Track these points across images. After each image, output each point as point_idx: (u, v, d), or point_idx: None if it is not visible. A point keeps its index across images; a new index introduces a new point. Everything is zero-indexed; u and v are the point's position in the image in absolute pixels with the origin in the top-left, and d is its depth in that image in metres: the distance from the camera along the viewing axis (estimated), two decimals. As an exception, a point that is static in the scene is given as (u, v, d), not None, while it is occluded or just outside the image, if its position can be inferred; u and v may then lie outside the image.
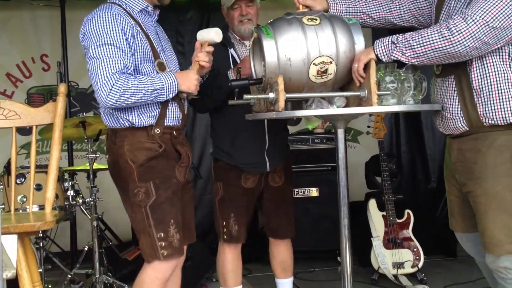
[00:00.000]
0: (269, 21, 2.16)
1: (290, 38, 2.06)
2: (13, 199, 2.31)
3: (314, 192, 4.20)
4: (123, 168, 2.19)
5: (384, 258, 3.64)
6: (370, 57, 2.05)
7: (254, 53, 2.29)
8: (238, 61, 2.67)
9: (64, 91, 2.23)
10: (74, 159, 4.64)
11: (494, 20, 1.91)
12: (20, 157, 4.52)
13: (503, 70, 2.04)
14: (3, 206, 3.17)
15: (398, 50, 2.03)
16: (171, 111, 2.25)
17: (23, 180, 3.17)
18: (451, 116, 2.15)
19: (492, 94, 2.05)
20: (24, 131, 4.57)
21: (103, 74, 2.07)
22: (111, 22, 2.11)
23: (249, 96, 2.16)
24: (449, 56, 1.99)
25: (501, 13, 1.91)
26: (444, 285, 3.61)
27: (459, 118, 2.12)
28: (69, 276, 3.59)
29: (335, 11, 2.35)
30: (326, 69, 2.09)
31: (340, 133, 2.24)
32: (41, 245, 3.30)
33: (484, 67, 2.06)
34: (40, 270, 3.14)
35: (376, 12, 2.39)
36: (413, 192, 5.08)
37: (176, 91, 2.19)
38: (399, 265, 3.63)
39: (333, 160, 2.36)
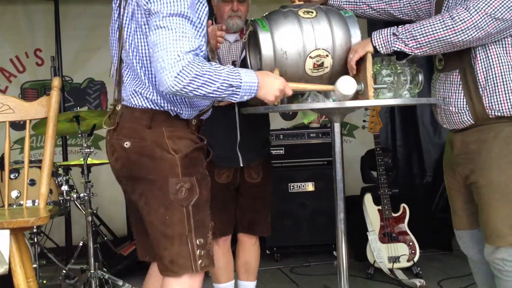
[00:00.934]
0: (264, 14, 2.15)
1: (286, 31, 2.05)
2: (7, 194, 2.29)
3: (309, 186, 4.20)
4: (160, 158, 1.79)
5: (379, 252, 3.64)
6: (367, 50, 2.04)
7: (250, 46, 2.27)
8: (223, 51, 2.62)
9: (58, 85, 2.21)
10: (69, 154, 4.62)
11: (495, 11, 1.92)
12: (14, 152, 4.49)
13: (507, 61, 2.06)
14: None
15: (400, 41, 2.02)
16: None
17: (16, 175, 3.15)
18: (456, 110, 2.14)
19: (498, 86, 2.06)
20: (17, 126, 4.55)
21: (174, 50, 1.65)
22: None
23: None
24: (452, 45, 2.00)
25: (503, 5, 1.93)
26: (439, 279, 3.62)
27: (465, 111, 2.12)
28: (64, 271, 3.57)
29: (334, 1, 2.33)
30: (322, 63, 2.08)
31: (337, 127, 2.23)
32: (35, 240, 3.28)
33: (489, 60, 2.06)
34: (35, 265, 3.12)
35: (376, 3, 2.38)
36: (409, 186, 5.10)
37: (252, 95, 1.80)
38: (394, 259, 3.63)
39: (329, 155, 2.35)
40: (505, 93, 2.05)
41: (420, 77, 2.18)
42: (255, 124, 2.69)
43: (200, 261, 1.80)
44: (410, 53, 2.03)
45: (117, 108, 1.87)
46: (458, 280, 3.55)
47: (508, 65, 2.06)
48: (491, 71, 2.06)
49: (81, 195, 3.27)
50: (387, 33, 2.05)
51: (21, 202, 3.01)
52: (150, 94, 1.81)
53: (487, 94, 2.07)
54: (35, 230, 3.29)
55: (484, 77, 2.07)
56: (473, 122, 2.12)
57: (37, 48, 4.82)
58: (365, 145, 4.62)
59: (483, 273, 2.35)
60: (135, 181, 1.84)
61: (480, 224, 2.16)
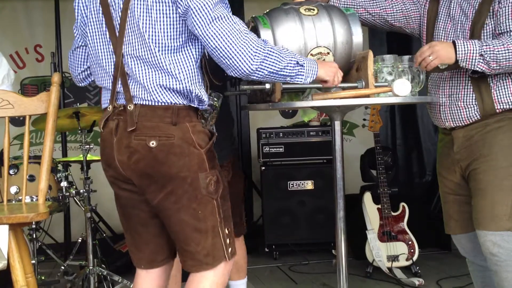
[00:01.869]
0: (265, 11, 2.14)
1: (287, 28, 2.04)
2: (6, 190, 2.28)
3: (309, 185, 4.20)
4: (188, 154, 1.77)
5: (378, 251, 3.64)
6: (450, 62, 2.09)
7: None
8: None
9: (58, 81, 2.20)
10: (68, 150, 4.62)
11: None
12: (14, 148, 4.49)
13: None
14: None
15: (485, 63, 2.06)
16: None
17: (16, 170, 3.14)
18: (464, 105, 2.19)
19: (506, 81, 2.13)
20: (17, 122, 4.54)
21: (240, 35, 1.70)
22: None
23: (245, 87, 2.13)
24: None
25: None
26: (438, 278, 3.62)
27: (473, 106, 2.17)
28: (63, 267, 3.57)
29: (334, 2, 2.36)
30: (323, 60, 2.08)
31: (337, 125, 2.22)
32: (34, 236, 3.28)
33: None
34: (33, 261, 3.11)
35: (372, 8, 2.41)
36: (408, 185, 5.10)
37: (315, 76, 1.84)
38: (393, 258, 3.63)
39: (329, 153, 2.36)
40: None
41: (422, 76, 2.18)
42: (223, 123, 2.62)
43: (230, 249, 1.85)
44: (488, 73, 2.09)
45: (128, 108, 1.78)
46: (456, 279, 3.55)
47: None
48: None
49: (80, 191, 3.27)
50: (473, 50, 2.06)
51: (20, 198, 3.01)
52: (179, 85, 1.76)
53: (497, 88, 2.13)
54: (34, 226, 3.28)
55: (495, 74, 2.12)
56: (479, 118, 2.16)
57: (37, 44, 4.81)
58: (365, 144, 4.61)
59: (480, 276, 2.35)
60: (161, 181, 1.77)
61: (473, 210, 2.17)
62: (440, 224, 4.25)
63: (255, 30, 2.10)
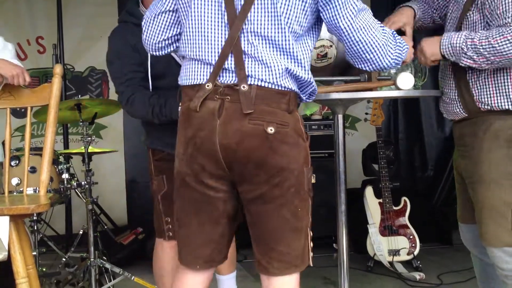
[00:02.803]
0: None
1: (290, 20, 2.02)
2: (7, 181, 2.28)
3: (310, 178, 4.19)
4: (298, 146, 1.66)
5: (380, 245, 3.64)
6: (436, 58, 2.05)
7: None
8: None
9: (59, 72, 2.19)
10: (69, 142, 4.62)
11: None
12: (15, 140, 4.48)
13: None
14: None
15: (468, 58, 1.98)
16: None
17: (17, 162, 3.14)
18: (449, 101, 2.14)
19: (488, 80, 2.04)
20: (19, 114, 4.54)
21: (380, 28, 1.70)
22: None
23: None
24: None
25: None
26: (439, 272, 3.62)
27: (456, 103, 2.11)
28: (64, 259, 3.58)
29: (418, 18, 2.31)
30: (326, 53, 2.07)
31: (339, 118, 2.22)
32: (35, 228, 3.28)
33: None
34: (35, 253, 3.12)
35: (435, 13, 2.35)
36: (410, 179, 5.10)
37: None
38: (394, 252, 3.63)
39: (330, 147, 2.35)
40: (495, 88, 2.03)
41: (424, 70, 2.17)
42: None
43: (311, 253, 1.74)
44: (478, 67, 2.00)
45: (242, 88, 1.61)
46: (458, 274, 3.55)
47: None
48: None
49: (82, 183, 3.27)
50: (456, 43, 2.00)
51: (22, 189, 3.01)
52: (304, 74, 1.67)
53: (477, 87, 2.05)
54: (35, 218, 3.29)
55: (476, 70, 2.05)
56: (466, 115, 2.10)
57: (39, 35, 4.81)
58: (367, 138, 4.60)
59: (483, 270, 2.35)
60: (270, 172, 1.63)
61: (477, 222, 2.13)
62: (442, 218, 4.27)
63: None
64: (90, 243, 3.14)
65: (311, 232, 1.74)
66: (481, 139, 2.06)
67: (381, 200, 3.71)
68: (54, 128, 2.18)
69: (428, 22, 2.37)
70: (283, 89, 1.64)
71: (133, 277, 3.13)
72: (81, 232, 3.64)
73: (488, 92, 2.03)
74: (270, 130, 1.61)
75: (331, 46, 2.06)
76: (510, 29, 1.90)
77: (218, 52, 1.64)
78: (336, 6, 1.63)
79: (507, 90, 2.01)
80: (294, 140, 1.65)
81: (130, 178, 4.85)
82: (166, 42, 1.82)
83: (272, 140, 1.61)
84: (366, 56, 1.68)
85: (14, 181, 3.05)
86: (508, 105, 2.01)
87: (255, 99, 1.61)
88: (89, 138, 3.22)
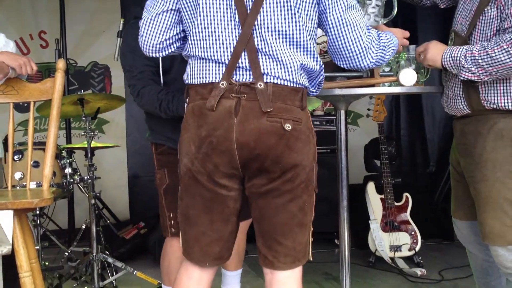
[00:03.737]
0: None
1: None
2: (10, 176, 2.29)
3: (312, 174, 4.19)
4: (309, 142, 1.69)
5: (381, 241, 3.64)
6: (436, 66, 2.06)
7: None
8: None
9: (62, 67, 2.20)
10: (72, 137, 4.62)
11: None
12: (18, 134, 4.50)
13: None
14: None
15: (467, 71, 1.98)
16: None
17: (20, 156, 3.15)
18: (453, 96, 2.13)
19: (497, 80, 2.02)
20: (21, 108, 4.54)
21: (366, 30, 1.73)
22: None
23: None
24: None
25: None
26: (440, 268, 3.62)
27: (461, 99, 2.10)
28: (66, 253, 3.60)
29: None
30: (329, 49, 2.07)
31: (342, 114, 2.22)
32: (38, 222, 3.29)
33: None
34: (37, 247, 3.13)
35: None
36: (412, 175, 5.10)
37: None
38: (396, 248, 3.64)
39: (332, 143, 2.35)
40: (503, 87, 2.02)
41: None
42: None
43: (310, 248, 1.77)
44: (478, 80, 1.99)
45: (259, 86, 1.61)
46: (459, 270, 3.55)
47: None
48: None
49: (84, 178, 3.28)
50: (456, 56, 2.00)
51: (25, 184, 3.02)
52: (317, 66, 1.70)
53: (485, 85, 2.03)
54: (38, 212, 3.30)
55: None
56: (469, 111, 2.09)
57: (41, 30, 4.81)
58: (369, 133, 4.60)
59: (479, 265, 2.35)
60: (284, 167, 1.65)
61: (478, 221, 2.12)
62: (443, 214, 4.27)
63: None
64: (92, 238, 3.15)
65: (312, 228, 1.77)
66: (485, 137, 2.05)
67: (383, 196, 3.71)
68: (57, 122, 2.19)
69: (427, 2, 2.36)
70: (297, 86, 1.65)
71: (135, 271, 3.14)
72: (83, 227, 3.65)
73: (496, 91, 2.02)
74: (288, 127, 1.62)
75: (334, 42, 2.06)
76: (506, 38, 1.89)
77: (230, 51, 1.64)
78: None
79: None
80: (306, 137, 1.67)
81: (133, 173, 4.86)
82: (167, 42, 1.80)
83: (289, 137, 1.63)
84: (345, 54, 1.70)
85: (17, 175, 3.06)
86: None
87: (272, 97, 1.62)
88: (92, 133, 3.23)
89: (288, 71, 1.63)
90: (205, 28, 1.66)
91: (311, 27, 1.67)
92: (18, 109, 4.48)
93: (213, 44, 1.66)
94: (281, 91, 1.63)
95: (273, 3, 1.61)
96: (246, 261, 3.89)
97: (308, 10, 1.64)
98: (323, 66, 1.72)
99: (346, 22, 1.67)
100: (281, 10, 1.62)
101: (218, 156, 1.65)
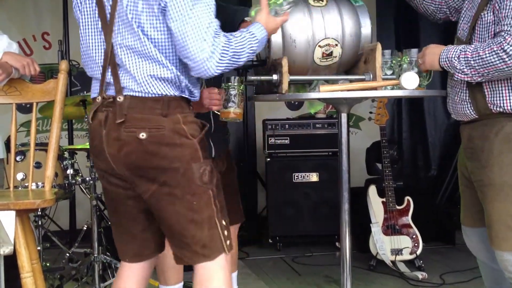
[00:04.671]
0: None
1: (296, 19, 2.03)
2: (13, 176, 2.30)
3: (314, 177, 4.20)
4: (180, 145, 1.76)
5: (382, 244, 3.64)
6: (434, 68, 2.07)
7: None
8: None
9: (65, 68, 2.21)
10: (74, 138, 4.63)
11: None
12: (20, 135, 4.50)
13: None
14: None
15: (459, 72, 2.01)
16: None
17: (22, 157, 3.15)
18: (459, 101, 2.13)
19: (502, 81, 2.03)
20: (24, 109, 4.55)
21: (206, 36, 1.71)
22: None
23: (252, 78, 2.13)
24: (510, 74, 1.99)
25: None
26: (441, 272, 3.62)
27: (467, 103, 2.10)
28: (68, 254, 3.59)
29: None
30: (331, 52, 2.07)
31: (343, 117, 2.22)
32: (39, 223, 3.29)
33: None
34: (39, 248, 3.14)
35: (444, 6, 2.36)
36: (414, 179, 5.09)
37: (265, 39, 1.85)
38: (397, 252, 3.63)
39: (334, 146, 2.36)
40: (509, 90, 2.02)
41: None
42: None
43: (228, 241, 1.82)
44: (471, 80, 2.02)
45: (118, 99, 1.75)
46: (460, 274, 3.55)
47: None
48: None
49: (86, 179, 3.28)
50: (451, 57, 2.02)
51: (27, 185, 3.02)
52: (169, 73, 1.75)
53: (490, 89, 2.04)
54: (39, 213, 3.30)
55: None
56: (476, 116, 2.09)
57: (44, 31, 4.81)
58: (371, 137, 4.60)
59: (489, 274, 2.33)
60: (153, 173, 1.75)
61: (486, 225, 2.12)
62: (445, 218, 4.27)
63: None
64: (94, 239, 3.15)
65: (224, 222, 1.82)
66: (492, 141, 2.05)
67: (384, 199, 3.71)
68: (60, 124, 2.19)
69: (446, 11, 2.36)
70: (154, 95, 1.74)
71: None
72: (85, 228, 3.65)
73: (502, 94, 2.03)
74: (142, 135, 1.73)
75: (336, 45, 2.06)
76: (497, 41, 1.91)
77: (100, 68, 1.80)
78: (169, 9, 1.67)
79: None
80: (174, 141, 1.74)
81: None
82: None
83: (147, 145, 1.73)
84: (184, 53, 1.70)
85: (19, 176, 3.07)
86: None
87: (127, 109, 1.74)
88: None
89: (139, 84, 1.74)
90: (85, 48, 1.85)
91: (159, 38, 1.72)
92: (20, 110, 4.49)
93: (89, 63, 1.84)
94: (137, 102, 1.74)
95: (121, 21, 1.73)
96: (247, 263, 3.90)
97: (149, 19, 1.70)
98: (179, 73, 1.74)
99: (182, 31, 1.67)
100: (127, 27, 1.73)
101: (101, 163, 1.83)
